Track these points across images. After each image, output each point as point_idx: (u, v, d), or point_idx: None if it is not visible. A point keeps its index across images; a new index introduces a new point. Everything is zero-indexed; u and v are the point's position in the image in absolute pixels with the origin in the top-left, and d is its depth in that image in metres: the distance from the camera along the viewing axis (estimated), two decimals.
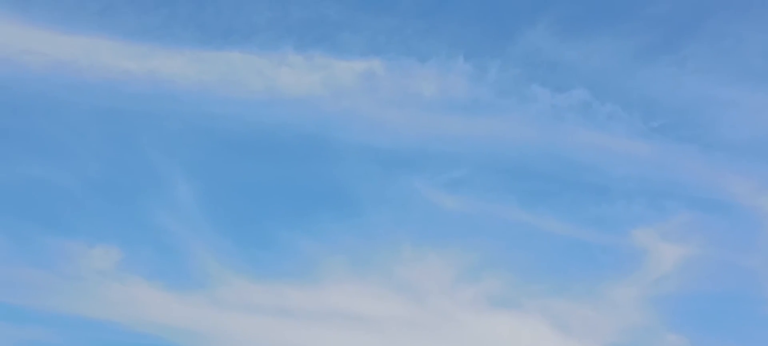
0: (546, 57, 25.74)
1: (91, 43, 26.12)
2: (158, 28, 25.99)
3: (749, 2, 25.89)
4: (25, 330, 24.36)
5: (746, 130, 25.13)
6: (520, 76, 25.38)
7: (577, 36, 25.62)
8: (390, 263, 25.04)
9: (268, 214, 25.58)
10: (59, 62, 25.63)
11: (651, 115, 24.28)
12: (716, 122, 25.38)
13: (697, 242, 23.90)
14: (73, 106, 26.21)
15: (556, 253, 24.73)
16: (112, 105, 26.14)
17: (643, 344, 24.47)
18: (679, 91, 24.84)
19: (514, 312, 24.91)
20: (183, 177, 25.62)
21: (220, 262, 24.48)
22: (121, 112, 26.30)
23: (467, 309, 25.07)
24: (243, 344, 25.19)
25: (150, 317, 24.57)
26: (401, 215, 25.19)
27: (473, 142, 26.61)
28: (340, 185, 26.05)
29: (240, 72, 26.26)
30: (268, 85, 26.14)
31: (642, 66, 25.21)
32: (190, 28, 26.33)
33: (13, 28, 26.36)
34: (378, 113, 26.26)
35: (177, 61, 25.97)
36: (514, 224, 25.02)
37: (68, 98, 26.10)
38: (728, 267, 24.54)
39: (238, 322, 24.74)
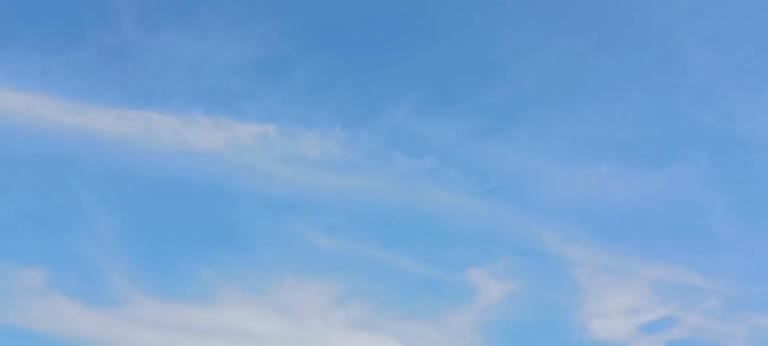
0: (405, 130, 31.29)
1: (33, 100, 30.42)
2: (90, 89, 30.37)
3: (561, 97, 32.16)
4: None
5: (557, 195, 31.09)
6: (384, 144, 30.87)
7: (430, 115, 31.19)
8: (274, 290, 29.74)
9: (175, 246, 29.97)
10: (3, 113, 29.82)
11: (485, 180, 29.97)
12: (534, 188, 31.23)
13: (518, 280, 29.49)
14: (13, 150, 30.33)
15: (408, 286, 29.87)
16: (47, 151, 30.37)
17: None
18: (506, 162, 30.64)
19: (374, 333, 29.95)
20: (105, 213, 29.86)
21: (133, 285, 28.71)
22: (55, 158, 30.49)
23: (336, 330, 30.01)
24: None
25: (71, 329, 28.61)
26: (285, 251, 29.99)
27: (346, 195, 31.81)
28: (237, 225, 30.77)
29: (157, 129, 30.84)
30: (180, 140, 30.81)
31: (479, 141, 30.96)
32: (117, 91, 30.78)
33: None
34: (270, 168, 31.16)
35: (105, 117, 30.49)
36: (376, 262, 30.06)
37: (9, 144, 30.22)
38: (541, 301, 30.17)
39: (145, 337, 29.00)
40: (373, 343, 30.41)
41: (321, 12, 33.90)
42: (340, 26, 34.67)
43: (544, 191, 32.70)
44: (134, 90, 32.22)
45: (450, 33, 34.74)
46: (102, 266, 29.65)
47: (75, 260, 29.66)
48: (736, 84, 34.21)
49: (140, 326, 28.74)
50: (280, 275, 30.38)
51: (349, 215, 32.37)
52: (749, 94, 33.64)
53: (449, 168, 31.70)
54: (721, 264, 33.27)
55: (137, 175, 31.61)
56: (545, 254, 31.81)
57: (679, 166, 35.07)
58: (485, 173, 32.36)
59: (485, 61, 35.57)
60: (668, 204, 34.72)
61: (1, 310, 28.78)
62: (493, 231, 32.14)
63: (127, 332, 28.66)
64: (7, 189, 30.28)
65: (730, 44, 34.32)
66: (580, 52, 35.66)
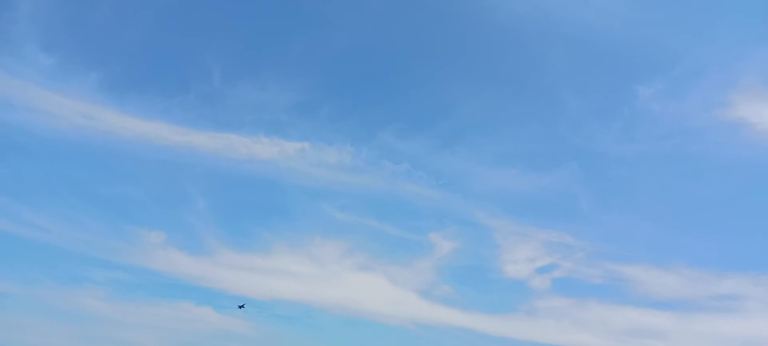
0: (390, 146, 49.66)
1: (156, 126, 47.91)
2: (193, 120, 48.34)
3: (486, 126, 49.55)
4: (112, 273, 44.05)
5: (484, 187, 48.96)
6: (377, 155, 49.32)
7: (406, 137, 49.43)
8: (308, 245, 47.56)
9: (246, 217, 47.76)
10: (138, 135, 47.38)
11: (440, 177, 48.23)
12: (470, 183, 49.33)
13: (460, 240, 47.40)
14: (144, 158, 47.89)
15: (392, 243, 47.74)
16: (166, 158, 47.97)
17: (432, 289, 46.64)
18: (453, 167, 48.90)
19: (370, 273, 47.81)
20: (202, 196, 47.58)
21: (219, 241, 46.20)
22: (170, 162, 48.05)
23: (347, 271, 47.63)
24: (229, 286, 46.04)
25: (180, 271, 45.71)
26: (315, 221, 47.88)
27: (353, 187, 49.99)
28: (285, 205, 48.81)
29: (235, 145, 48.65)
30: (249, 152, 48.75)
31: (436, 153, 49.23)
32: (210, 121, 48.58)
33: (113, 115, 47.81)
34: (306, 170, 49.22)
35: (202, 137, 48.34)
36: (371, 228, 48.14)
37: (143, 153, 47.77)
38: (474, 253, 48.03)
39: (226, 274, 46.14)
40: (369, 280, 48.28)
41: (337, 73, 52.35)
42: (348, 82, 53.38)
43: (476, 184, 51.54)
44: (220, 120, 50.64)
45: (418, 85, 53.08)
46: (199, 230, 47.47)
47: (183, 226, 47.62)
48: (595, 119, 53.21)
49: (223, 268, 46.36)
50: (312, 236, 48.60)
51: (355, 199, 50.97)
52: (603, 126, 52.51)
53: (418, 170, 50.29)
54: (585, 231, 51.99)
55: (222, 173, 49.85)
56: (477, 223, 50.32)
57: (560, 170, 54.53)
58: (440, 173, 51.23)
59: (439, 104, 54.56)
60: (553, 193, 53.76)
61: (136, 258, 46.26)
62: (445, 209, 50.58)
63: (215, 272, 46.23)
64: (140, 182, 47.81)
65: (591, 94, 53.09)
66: (498, 98, 54.94)
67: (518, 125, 56.15)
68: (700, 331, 48.77)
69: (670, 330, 49.23)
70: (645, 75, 57.19)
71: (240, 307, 45.46)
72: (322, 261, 51.03)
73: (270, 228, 50.86)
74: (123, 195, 51.66)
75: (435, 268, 50.69)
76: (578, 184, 53.63)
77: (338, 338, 48.36)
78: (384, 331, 48.99)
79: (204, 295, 48.67)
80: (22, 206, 48.24)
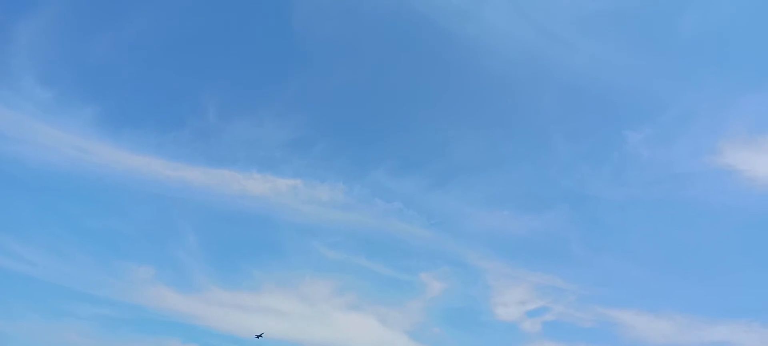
0: (382, 185, 49.29)
1: (151, 161, 47.42)
2: (187, 155, 47.81)
3: (478, 167, 49.16)
4: (98, 308, 43.17)
5: (476, 228, 48.39)
6: (369, 193, 48.87)
7: (398, 176, 49.04)
8: (298, 283, 46.72)
9: (236, 255, 46.91)
10: (133, 169, 46.82)
11: (432, 217, 47.63)
12: (462, 223, 48.79)
13: (451, 281, 46.68)
14: (136, 192, 47.13)
15: (382, 283, 46.95)
16: (157, 193, 47.32)
17: (423, 330, 45.75)
18: (445, 206, 48.42)
19: (360, 313, 46.84)
20: (192, 232, 46.81)
21: (208, 279, 45.34)
22: (163, 197, 47.35)
23: (337, 310, 46.66)
24: (217, 323, 45.04)
25: (168, 307, 44.72)
26: (305, 259, 47.08)
27: (345, 225, 49.30)
28: (275, 242, 48.05)
29: (227, 180, 48.10)
30: (241, 188, 48.16)
31: (428, 193, 48.71)
32: (203, 156, 48.09)
33: (107, 149, 47.36)
34: (298, 207, 48.60)
35: (195, 173, 47.79)
36: (362, 267, 47.39)
37: (134, 188, 47.02)
38: (465, 295, 47.21)
39: (215, 312, 45.11)
40: (359, 320, 47.14)
41: (331, 112, 52.01)
42: (342, 121, 52.95)
43: (468, 225, 50.87)
44: (214, 156, 50.14)
45: (411, 125, 52.84)
46: (189, 266, 46.55)
47: (172, 262, 46.72)
48: (585, 163, 52.94)
49: (212, 306, 45.35)
50: (302, 275, 47.66)
51: (346, 237, 50.22)
52: (593, 170, 52.24)
53: (410, 209, 49.67)
54: (576, 274, 51.28)
55: (214, 209, 49.12)
56: (468, 265, 49.55)
57: (550, 212, 54.00)
58: (432, 212, 50.59)
59: (432, 144, 54.27)
60: (544, 236, 53.11)
61: (124, 293, 45.20)
62: (436, 250, 49.82)
63: (203, 309, 45.19)
64: (131, 216, 47.28)
65: (582, 138, 52.91)
66: (490, 139, 54.61)
67: (510, 167, 56.46)
68: None
69: None
70: (634, 120, 57.64)
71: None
72: (311, 300, 50.27)
73: (260, 265, 50.49)
74: (113, 229, 51.15)
75: (425, 309, 50.08)
76: (569, 227, 53.60)
77: None
78: None
79: (191, 332, 47.67)
80: (8, 238, 47.52)
